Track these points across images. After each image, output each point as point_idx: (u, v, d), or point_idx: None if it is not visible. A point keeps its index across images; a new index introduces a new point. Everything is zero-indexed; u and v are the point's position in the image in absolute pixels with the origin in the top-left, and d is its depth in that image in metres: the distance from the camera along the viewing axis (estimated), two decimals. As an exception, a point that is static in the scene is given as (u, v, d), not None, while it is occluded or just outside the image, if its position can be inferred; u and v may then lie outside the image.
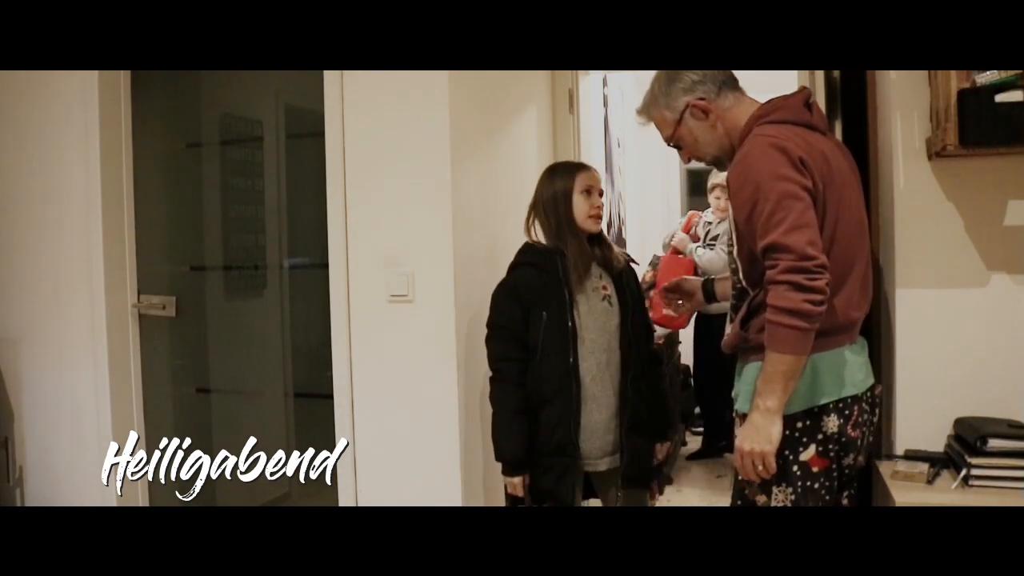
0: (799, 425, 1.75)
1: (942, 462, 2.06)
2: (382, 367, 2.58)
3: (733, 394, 1.89)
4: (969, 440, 1.97)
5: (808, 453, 1.75)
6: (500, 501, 2.51)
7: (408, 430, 2.56)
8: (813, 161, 1.72)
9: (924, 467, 2.02)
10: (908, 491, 1.95)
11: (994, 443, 1.93)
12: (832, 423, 1.75)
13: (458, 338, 2.49)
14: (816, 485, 1.76)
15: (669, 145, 1.97)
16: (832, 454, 1.77)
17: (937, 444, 2.13)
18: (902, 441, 2.20)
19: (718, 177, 4.22)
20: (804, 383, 1.72)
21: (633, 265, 2.49)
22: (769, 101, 1.84)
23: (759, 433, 1.69)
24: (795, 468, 1.75)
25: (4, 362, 3.04)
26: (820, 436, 1.75)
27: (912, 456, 2.10)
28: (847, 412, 1.77)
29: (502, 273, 2.40)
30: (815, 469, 1.76)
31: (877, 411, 1.91)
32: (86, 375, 2.94)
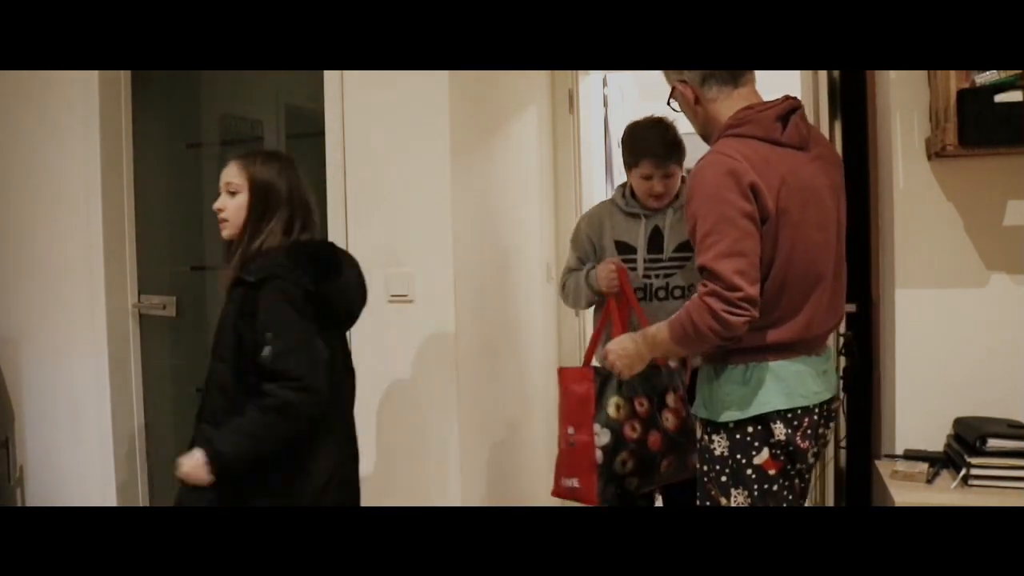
0: (750, 430, 1.76)
1: (942, 462, 2.06)
2: (382, 367, 2.59)
3: (701, 399, 1.87)
4: (969, 440, 1.97)
5: (762, 457, 1.76)
6: (500, 501, 2.52)
7: (408, 430, 2.56)
8: (768, 185, 1.68)
9: (924, 467, 2.02)
10: (908, 491, 1.95)
11: (994, 443, 1.93)
12: (780, 431, 1.75)
13: (458, 338, 2.49)
14: (775, 487, 1.77)
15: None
16: (783, 459, 1.77)
17: (937, 444, 2.13)
18: (902, 441, 2.20)
19: None
20: (753, 390, 1.74)
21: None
22: (746, 108, 1.78)
23: (623, 345, 1.88)
24: (749, 471, 1.76)
25: (4, 362, 3.04)
26: (772, 440, 1.76)
27: (912, 456, 2.10)
28: (795, 423, 1.76)
29: (502, 273, 2.41)
30: (771, 472, 1.77)
31: (832, 425, 1.92)
32: (86, 375, 2.94)
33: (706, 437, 1.82)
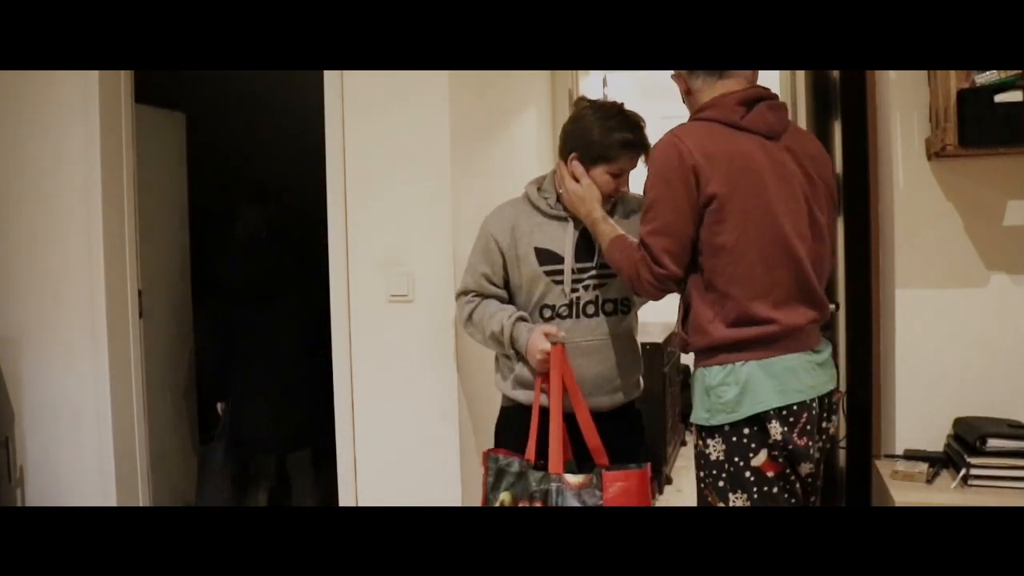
0: (746, 431, 1.74)
1: (942, 462, 2.07)
2: (382, 367, 2.59)
3: (695, 404, 1.86)
4: (968, 440, 1.97)
5: (760, 459, 1.74)
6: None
7: (408, 430, 2.56)
8: (713, 167, 1.71)
9: (924, 467, 2.02)
10: (908, 491, 1.95)
11: (993, 443, 1.93)
12: (776, 430, 1.72)
13: (458, 338, 2.49)
14: (775, 490, 1.74)
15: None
16: (782, 460, 1.74)
17: (937, 444, 2.14)
18: (902, 441, 2.20)
19: None
20: (746, 390, 1.72)
21: None
22: (718, 96, 1.80)
23: (583, 198, 2.03)
24: (747, 474, 1.74)
25: (4, 362, 3.04)
26: (769, 441, 1.73)
27: (912, 456, 2.10)
28: (791, 419, 1.72)
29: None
30: (770, 474, 1.74)
31: (834, 418, 1.87)
32: (86, 375, 2.93)
33: (701, 442, 1.81)
